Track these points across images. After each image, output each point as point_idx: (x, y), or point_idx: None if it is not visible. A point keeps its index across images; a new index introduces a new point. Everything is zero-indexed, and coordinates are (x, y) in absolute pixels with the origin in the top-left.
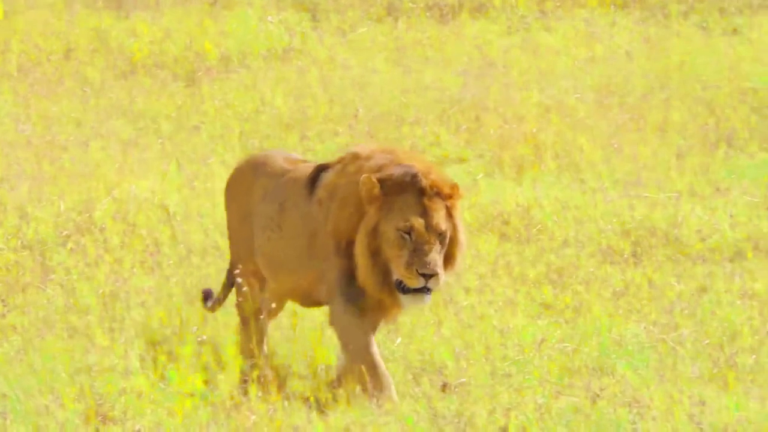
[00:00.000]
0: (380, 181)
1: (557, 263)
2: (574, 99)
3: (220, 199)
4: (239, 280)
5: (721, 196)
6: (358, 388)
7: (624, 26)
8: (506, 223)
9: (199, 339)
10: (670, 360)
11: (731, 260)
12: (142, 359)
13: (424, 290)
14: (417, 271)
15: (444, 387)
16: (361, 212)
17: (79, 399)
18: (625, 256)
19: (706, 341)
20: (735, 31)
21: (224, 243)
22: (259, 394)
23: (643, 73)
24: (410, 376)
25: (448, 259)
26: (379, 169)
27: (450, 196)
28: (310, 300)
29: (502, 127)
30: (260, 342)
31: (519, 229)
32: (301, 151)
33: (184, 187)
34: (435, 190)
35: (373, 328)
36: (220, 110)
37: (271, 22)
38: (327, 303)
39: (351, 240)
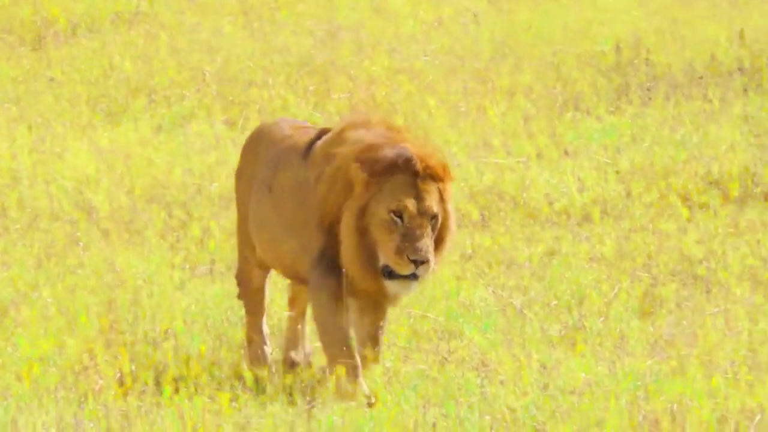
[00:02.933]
0: (372, 161)
1: None
2: (422, 62)
3: (71, 163)
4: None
5: (568, 159)
6: (326, 371)
7: None
8: None
9: (47, 301)
10: (518, 323)
11: (579, 223)
12: None
13: (412, 277)
14: (408, 257)
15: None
16: (349, 190)
17: None
18: (474, 220)
19: (554, 303)
20: None
21: (70, 206)
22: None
23: (491, 37)
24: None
25: (437, 245)
26: (372, 147)
27: (442, 179)
28: (292, 271)
29: (351, 90)
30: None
31: None
32: (149, 114)
33: (33, 151)
34: (428, 172)
35: (361, 308)
36: (67, 74)
37: None
38: (307, 275)
39: (336, 217)
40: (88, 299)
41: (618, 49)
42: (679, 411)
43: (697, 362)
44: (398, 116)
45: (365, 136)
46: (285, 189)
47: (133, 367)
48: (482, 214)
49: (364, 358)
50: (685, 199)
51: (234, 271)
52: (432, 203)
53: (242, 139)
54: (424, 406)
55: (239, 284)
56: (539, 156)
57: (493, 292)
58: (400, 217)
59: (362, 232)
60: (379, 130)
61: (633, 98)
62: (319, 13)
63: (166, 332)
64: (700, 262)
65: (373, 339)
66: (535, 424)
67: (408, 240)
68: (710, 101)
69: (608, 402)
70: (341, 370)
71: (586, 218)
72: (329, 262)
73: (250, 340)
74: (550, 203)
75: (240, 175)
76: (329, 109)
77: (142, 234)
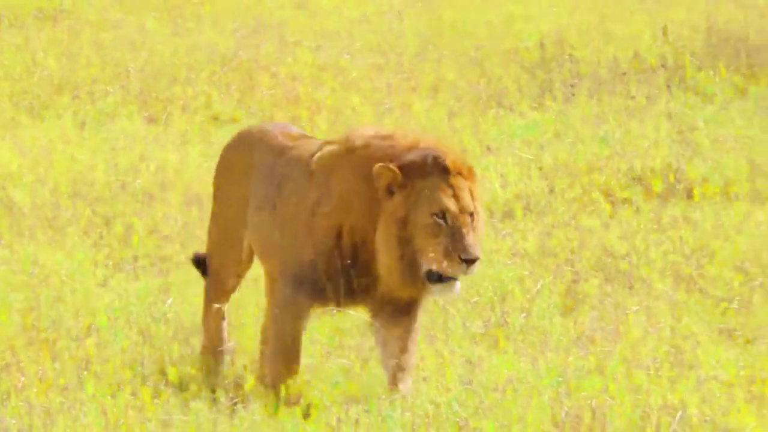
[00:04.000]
0: (401, 167)
1: None
2: (346, 59)
3: None
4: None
5: (491, 155)
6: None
7: None
8: None
9: None
10: (441, 319)
11: (502, 220)
12: None
13: (453, 279)
14: (460, 257)
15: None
16: (369, 203)
17: None
18: None
19: (477, 299)
20: None
21: None
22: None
23: (415, 33)
24: (182, 337)
25: None
26: (391, 156)
27: (470, 176)
28: None
29: (275, 87)
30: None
31: None
32: (72, 111)
33: None
34: (457, 169)
35: (389, 321)
36: None
37: None
38: (276, 273)
39: (356, 239)
40: (10, 296)
41: (542, 46)
42: (601, 407)
43: (619, 358)
44: (322, 113)
45: (381, 145)
46: (291, 206)
47: (56, 364)
48: None
49: (400, 370)
50: (607, 195)
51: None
52: (468, 200)
53: (165, 135)
54: (346, 403)
55: (208, 290)
56: (463, 152)
57: None
58: (443, 218)
59: (403, 241)
60: (389, 137)
61: (556, 94)
62: (242, 10)
63: (88, 329)
64: (623, 257)
65: (404, 348)
66: (457, 420)
67: (456, 240)
68: (633, 98)
69: (530, 398)
70: (281, 387)
71: (509, 214)
72: (317, 270)
73: (205, 349)
74: None
75: (226, 179)
76: (253, 106)
77: (65, 231)
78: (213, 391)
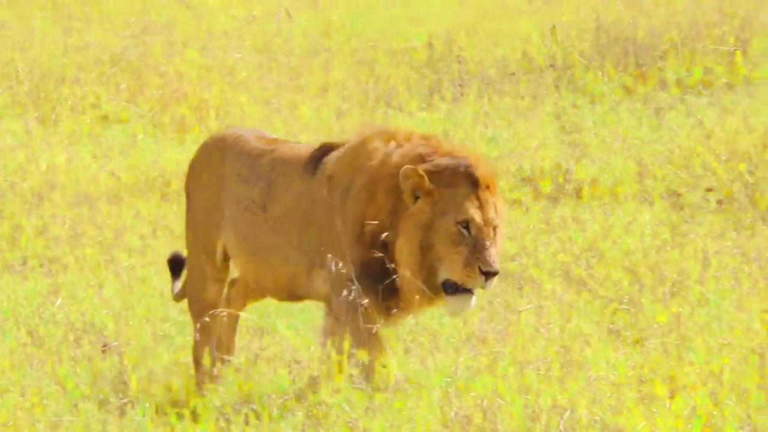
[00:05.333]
0: (430, 172)
1: None
2: (234, 59)
3: None
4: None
5: None
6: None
7: None
8: (167, 184)
9: None
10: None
11: None
12: None
13: (470, 291)
14: (479, 269)
15: (104, 349)
16: (393, 204)
17: None
18: None
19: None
20: None
21: None
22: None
23: (304, 33)
24: (71, 338)
25: None
26: (419, 158)
27: (495, 193)
28: (288, 292)
29: (164, 86)
30: (223, 339)
31: (179, 190)
32: None
33: None
34: (486, 181)
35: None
36: None
37: None
38: (328, 293)
39: (375, 232)
40: None
41: (430, 46)
42: (491, 407)
43: (509, 359)
44: (210, 112)
45: (406, 147)
46: (286, 208)
47: None
48: None
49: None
50: None
51: (174, 286)
52: (493, 214)
53: (54, 136)
54: (237, 403)
55: (190, 301)
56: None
57: None
58: (467, 228)
59: (425, 247)
60: (416, 140)
61: (445, 94)
62: (131, 10)
63: None
64: (513, 258)
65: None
66: (348, 420)
67: (477, 252)
68: (522, 97)
69: (420, 398)
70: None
71: None
72: (365, 277)
73: (198, 364)
74: None
75: (197, 186)
76: (141, 106)
77: None
78: (102, 392)
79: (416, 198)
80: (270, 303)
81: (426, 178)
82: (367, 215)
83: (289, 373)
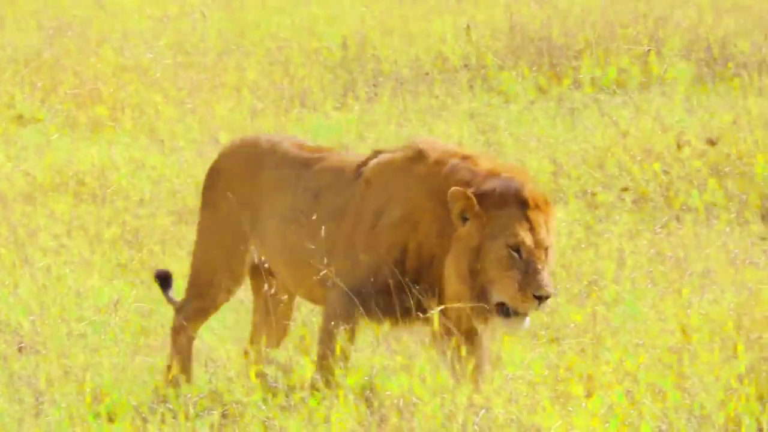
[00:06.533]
0: (479, 195)
1: (133, 223)
2: (149, 58)
3: None
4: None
5: None
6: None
7: None
8: (81, 183)
9: None
10: (246, 319)
11: None
12: None
13: (524, 314)
14: (532, 293)
15: (20, 348)
16: (439, 227)
17: None
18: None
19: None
20: None
21: None
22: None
23: (218, 33)
24: None
25: None
26: (469, 181)
27: (547, 209)
28: (313, 295)
29: (78, 86)
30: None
31: (94, 190)
32: None
33: None
34: (536, 202)
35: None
36: None
37: None
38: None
39: (421, 257)
40: None
41: (344, 46)
42: (407, 406)
43: (425, 358)
44: (125, 112)
45: (459, 165)
46: (335, 215)
47: None
48: None
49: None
50: None
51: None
52: (544, 235)
53: None
54: (153, 402)
55: (190, 308)
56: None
57: None
58: (518, 251)
59: (475, 271)
60: (470, 158)
61: (359, 94)
62: (45, 10)
63: None
64: None
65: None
66: (263, 419)
67: (529, 276)
68: (437, 97)
69: (336, 398)
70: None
71: None
72: (374, 285)
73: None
74: None
75: (224, 192)
76: (56, 106)
77: None
78: (18, 390)
79: (465, 220)
80: None
81: (474, 200)
82: (408, 243)
83: (206, 372)
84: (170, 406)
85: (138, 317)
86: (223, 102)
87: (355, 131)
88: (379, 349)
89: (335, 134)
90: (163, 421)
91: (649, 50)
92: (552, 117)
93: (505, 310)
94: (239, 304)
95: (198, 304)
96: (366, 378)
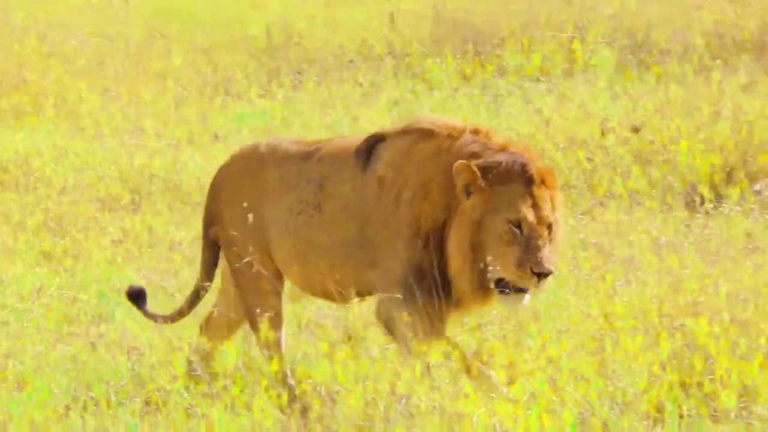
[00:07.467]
0: (484, 169)
1: (56, 211)
2: (72, 45)
3: None
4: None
5: (220, 143)
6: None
7: None
8: (5, 171)
9: None
10: (170, 306)
11: None
12: None
13: (524, 290)
14: (531, 269)
15: None
16: (447, 200)
17: None
18: (124, 203)
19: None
20: None
21: None
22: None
23: (142, 20)
24: None
25: None
26: (473, 155)
27: (552, 186)
28: (347, 292)
29: (1, 74)
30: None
31: (17, 177)
32: None
33: None
34: (541, 178)
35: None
36: None
37: None
38: (379, 291)
39: (431, 230)
40: None
41: (269, 34)
42: (329, 394)
43: (347, 346)
44: (48, 100)
45: (458, 143)
46: (342, 206)
47: None
48: (133, 198)
49: None
50: None
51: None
52: (548, 212)
53: None
54: (75, 389)
55: (253, 323)
56: (190, 140)
57: (145, 275)
58: (519, 227)
59: (477, 246)
60: (480, 133)
61: (284, 82)
62: None
63: None
64: None
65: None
66: (186, 406)
67: (529, 251)
68: (361, 85)
69: (259, 385)
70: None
71: None
72: (420, 278)
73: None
74: (201, 187)
75: (234, 204)
76: None
77: None
78: None
79: (469, 194)
80: (107, 288)
81: (479, 174)
82: (421, 216)
83: (128, 359)
84: (92, 394)
85: (61, 305)
86: (148, 89)
87: (280, 118)
88: (302, 336)
89: (260, 122)
90: (84, 408)
91: (572, 37)
92: (476, 104)
93: (504, 287)
94: (161, 289)
95: (255, 315)
96: (289, 365)
